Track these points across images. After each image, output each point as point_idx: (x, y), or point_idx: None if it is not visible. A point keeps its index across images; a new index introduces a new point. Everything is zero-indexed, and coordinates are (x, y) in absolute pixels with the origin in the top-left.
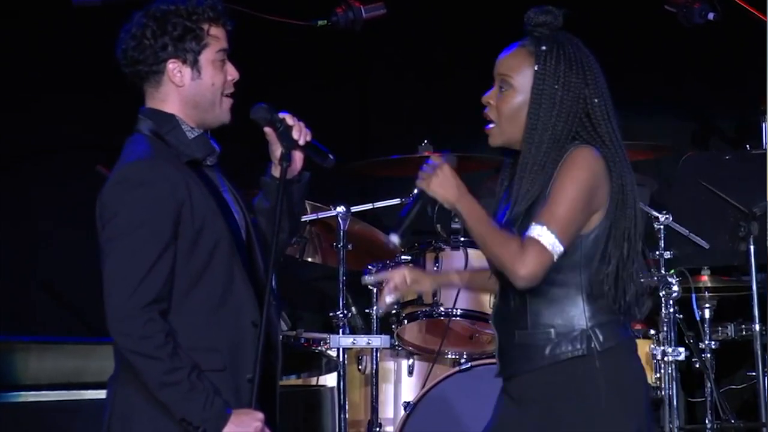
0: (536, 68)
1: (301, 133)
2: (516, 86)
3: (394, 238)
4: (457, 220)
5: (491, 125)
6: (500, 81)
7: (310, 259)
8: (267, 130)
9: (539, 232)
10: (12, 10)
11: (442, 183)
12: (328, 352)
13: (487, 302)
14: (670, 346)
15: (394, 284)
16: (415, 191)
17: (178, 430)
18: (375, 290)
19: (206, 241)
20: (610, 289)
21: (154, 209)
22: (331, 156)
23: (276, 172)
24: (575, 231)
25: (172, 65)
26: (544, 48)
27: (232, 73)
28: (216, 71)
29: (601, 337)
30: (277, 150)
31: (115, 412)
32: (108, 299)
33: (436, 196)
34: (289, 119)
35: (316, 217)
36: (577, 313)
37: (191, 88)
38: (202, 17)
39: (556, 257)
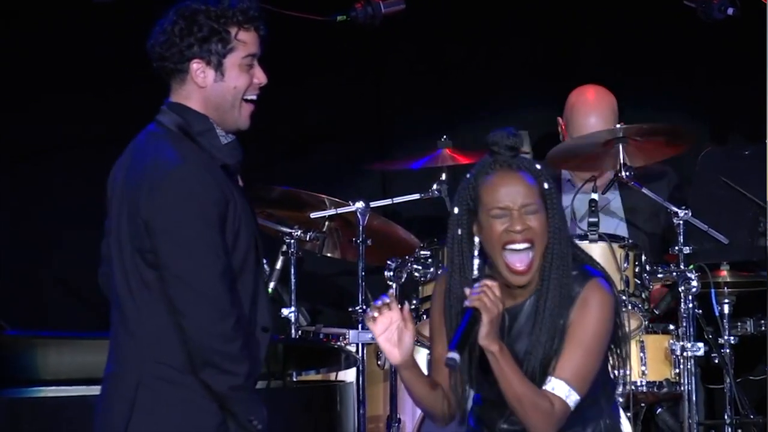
0: (546, 186)
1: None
2: (539, 208)
3: (455, 356)
4: None
5: (530, 259)
6: (523, 209)
7: (329, 255)
8: None
9: (562, 390)
10: (12, 10)
11: (489, 333)
12: (348, 347)
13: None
14: (689, 342)
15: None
16: (467, 309)
17: (209, 426)
18: (394, 285)
19: (242, 244)
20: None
21: (212, 217)
22: None
23: None
24: (593, 377)
25: (196, 65)
26: (539, 167)
27: (259, 77)
28: (241, 75)
29: (615, 418)
30: None
31: (138, 405)
32: (198, 318)
33: (481, 340)
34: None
35: (335, 213)
36: (599, 406)
37: (213, 90)
38: (230, 20)
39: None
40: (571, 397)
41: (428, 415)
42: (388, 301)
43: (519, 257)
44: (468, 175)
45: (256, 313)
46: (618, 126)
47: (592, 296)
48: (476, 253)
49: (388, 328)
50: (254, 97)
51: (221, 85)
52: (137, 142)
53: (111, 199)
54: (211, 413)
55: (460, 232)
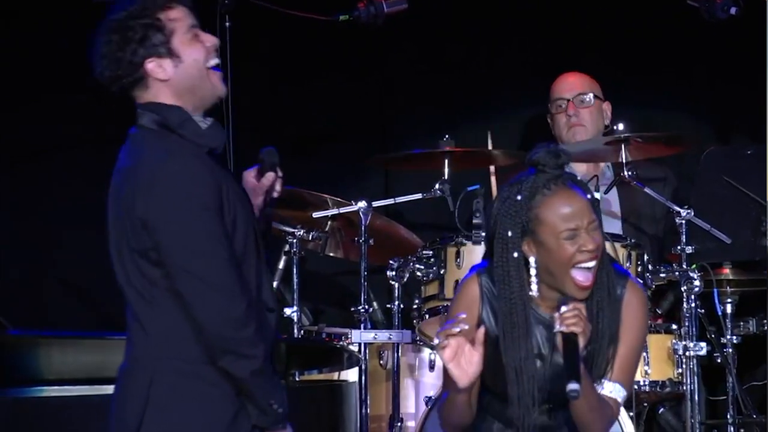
0: (590, 197)
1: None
2: (598, 222)
3: (578, 387)
4: (478, 215)
5: (594, 274)
6: (590, 226)
7: (331, 254)
8: (270, 175)
9: (619, 393)
10: (12, 10)
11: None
12: (350, 347)
13: None
14: (692, 341)
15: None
16: (561, 334)
17: (224, 416)
18: (396, 285)
19: (240, 227)
20: None
21: (208, 205)
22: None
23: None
24: None
25: (151, 64)
26: (580, 178)
27: (208, 40)
28: (193, 47)
29: None
30: (259, 198)
31: (152, 401)
32: (209, 308)
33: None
34: (280, 171)
35: (337, 212)
36: None
37: (177, 76)
38: (153, 9)
39: None
40: (624, 397)
41: (454, 430)
42: (465, 328)
43: (586, 274)
44: (519, 197)
45: (261, 294)
46: (619, 127)
47: (634, 298)
48: (534, 273)
49: (457, 354)
50: (217, 61)
51: (182, 67)
52: (123, 148)
53: (108, 206)
54: (227, 404)
55: (516, 255)
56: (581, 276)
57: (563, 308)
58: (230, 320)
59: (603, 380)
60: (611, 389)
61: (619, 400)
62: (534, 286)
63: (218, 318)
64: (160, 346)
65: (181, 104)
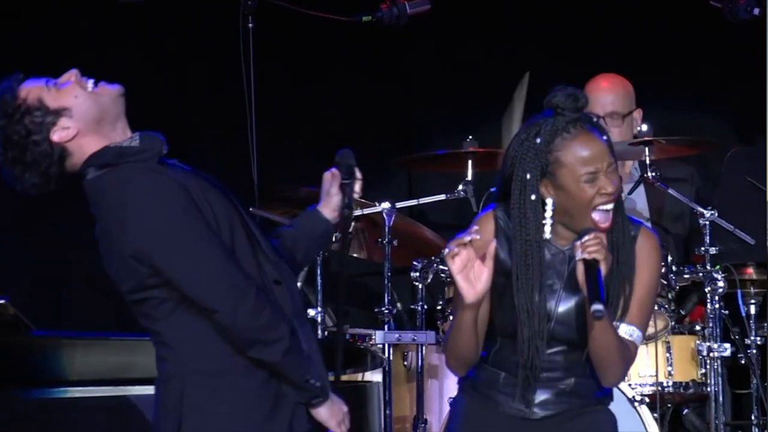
0: (606, 138)
1: (359, 188)
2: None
3: (600, 306)
4: None
5: (612, 215)
6: (608, 169)
7: (355, 255)
8: (337, 175)
9: (636, 335)
10: (12, 10)
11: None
12: (374, 348)
13: None
14: (716, 342)
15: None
16: (583, 260)
17: (261, 408)
18: (420, 286)
19: (221, 217)
20: None
21: (184, 208)
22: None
23: (326, 211)
24: None
25: (56, 136)
26: (596, 119)
27: (70, 76)
28: (65, 92)
29: None
30: (334, 197)
31: (187, 405)
32: (221, 305)
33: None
34: (358, 173)
35: (361, 213)
36: None
37: (81, 122)
38: (9, 104)
39: None
40: (640, 340)
41: (457, 362)
42: (476, 238)
43: (606, 216)
44: (538, 140)
45: (263, 272)
46: (643, 128)
47: (647, 241)
48: (549, 215)
49: (466, 266)
50: (92, 81)
51: (76, 111)
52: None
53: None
54: (263, 394)
55: (534, 197)
56: (600, 217)
57: (585, 237)
58: (244, 311)
59: (620, 322)
60: (629, 332)
61: (637, 342)
62: (547, 228)
63: (233, 313)
64: (187, 355)
65: (104, 137)
